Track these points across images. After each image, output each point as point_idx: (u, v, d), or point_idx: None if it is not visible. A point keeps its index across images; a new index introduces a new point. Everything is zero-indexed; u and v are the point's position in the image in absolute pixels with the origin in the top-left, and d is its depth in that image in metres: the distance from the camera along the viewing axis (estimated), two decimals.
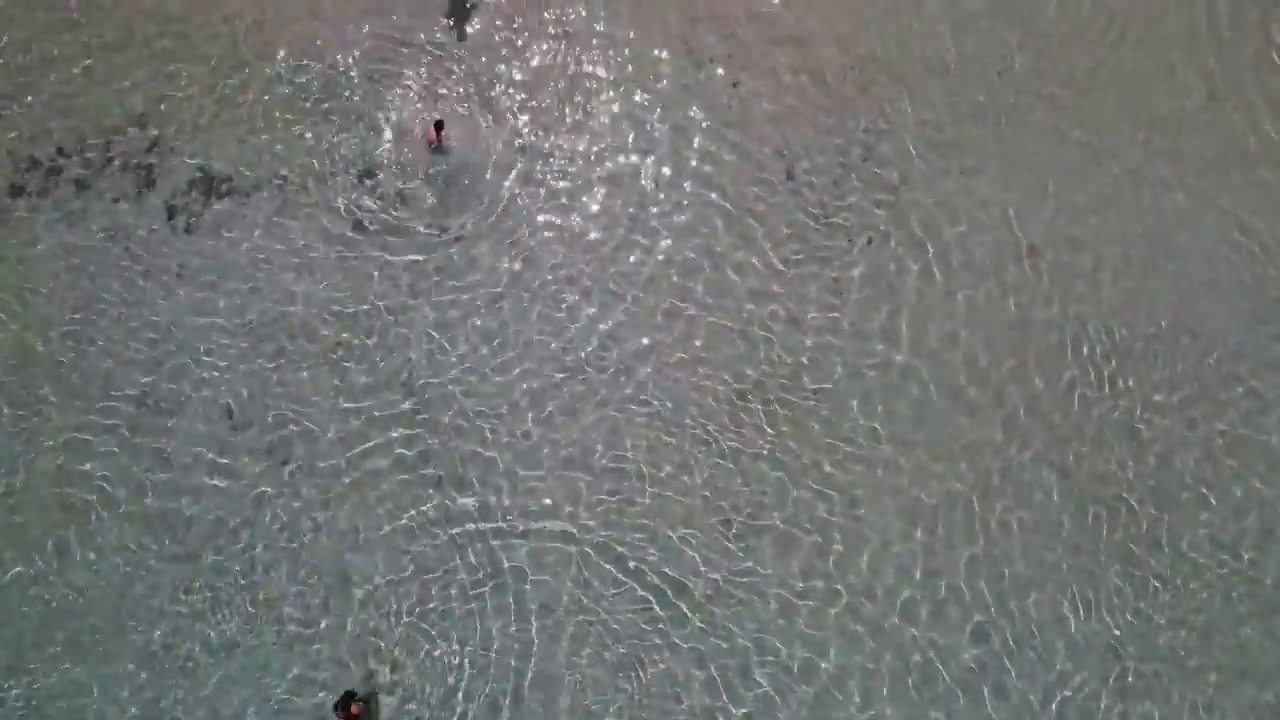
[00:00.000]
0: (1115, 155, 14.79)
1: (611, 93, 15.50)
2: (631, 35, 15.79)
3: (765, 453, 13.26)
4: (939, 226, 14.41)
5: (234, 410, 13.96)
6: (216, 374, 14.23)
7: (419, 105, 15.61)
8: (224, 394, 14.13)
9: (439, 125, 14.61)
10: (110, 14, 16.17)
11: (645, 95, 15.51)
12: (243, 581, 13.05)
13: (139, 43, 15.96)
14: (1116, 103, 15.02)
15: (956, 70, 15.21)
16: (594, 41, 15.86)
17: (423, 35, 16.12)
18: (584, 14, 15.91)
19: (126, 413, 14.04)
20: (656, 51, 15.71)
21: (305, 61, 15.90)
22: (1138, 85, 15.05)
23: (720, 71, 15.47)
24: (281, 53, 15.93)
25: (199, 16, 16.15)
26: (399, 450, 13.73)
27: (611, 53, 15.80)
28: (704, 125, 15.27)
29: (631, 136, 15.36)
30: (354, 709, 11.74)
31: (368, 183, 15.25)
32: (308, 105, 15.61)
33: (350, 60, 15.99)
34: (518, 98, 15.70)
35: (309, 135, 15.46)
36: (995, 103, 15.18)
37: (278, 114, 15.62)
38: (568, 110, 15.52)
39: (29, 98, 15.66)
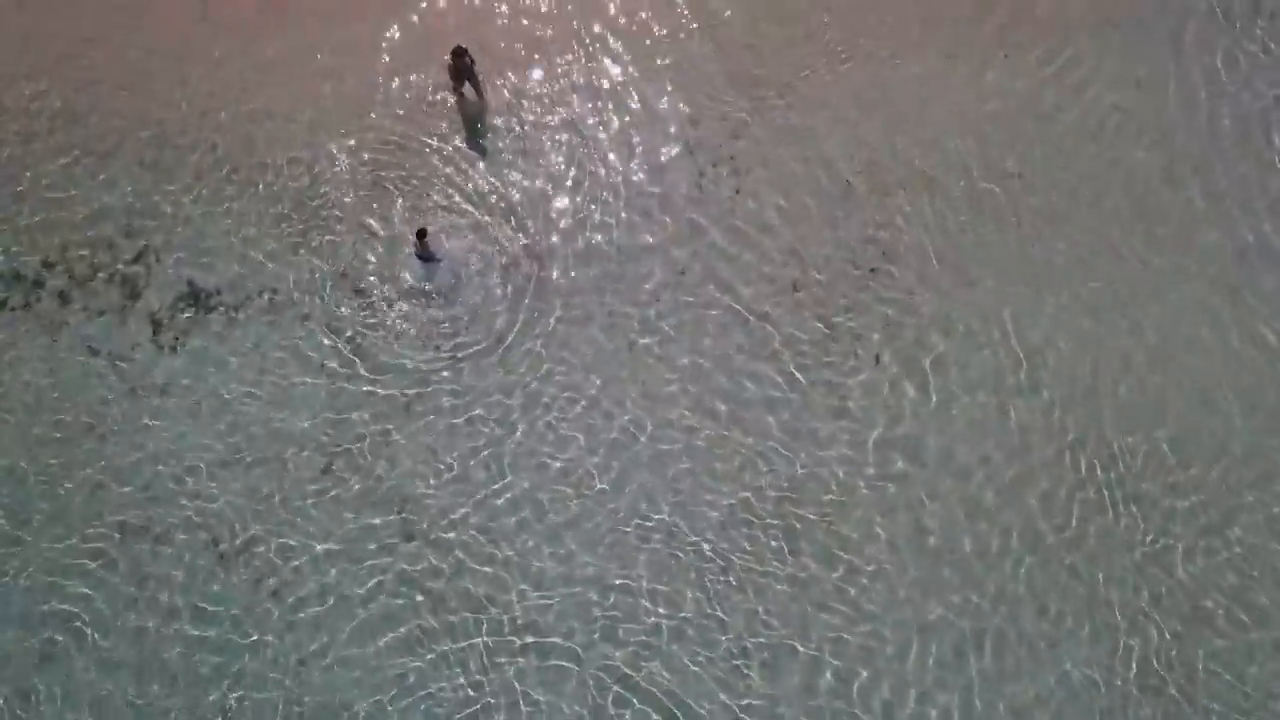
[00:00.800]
0: (1116, 261, 15.45)
1: (615, 196, 16.22)
2: (636, 138, 16.47)
3: (775, 569, 13.48)
4: (943, 334, 14.95)
5: (220, 538, 14.02)
6: (201, 501, 14.34)
7: (415, 214, 16.13)
8: (210, 521, 14.20)
9: (421, 234, 15.01)
10: (95, 122, 16.90)
11: (650, 195, 16.15)
12: None
13: (126, 151, 16.70)
14: (1119, 208, 15.83)
15: (961, 174, 15.98)
16: (597, 142, 16.61)
17: (421, 139, 16.81)
18: (586, 117, 16.66)
19: (109, 542, 14.14)
20: (662, 151, 16.34)
21: (297, 170, 16.57)
22: (1140, 191, 15.86)
23: (724, 173, 16.11)
24: (272, 161, 16.57)
25: (187, 125, 16.86)
26: (394, 570, 13.88)
27: (614, 156, 16.55)
28: (709, 227, 15.84)
29: (636, 240, 15.92)
30: None
31: (360, 296, 15.67)
32: (299, 215, 16.23)
33: (344, 167, 16.63)
34: (519, 204, 16.26)
35: (300, 246, 16.00)
36: (1000, 207, 15.88)
37: (268, 223, 16.21)
38: (571, 214, 16.15)
39: (12, 207, 16.23)
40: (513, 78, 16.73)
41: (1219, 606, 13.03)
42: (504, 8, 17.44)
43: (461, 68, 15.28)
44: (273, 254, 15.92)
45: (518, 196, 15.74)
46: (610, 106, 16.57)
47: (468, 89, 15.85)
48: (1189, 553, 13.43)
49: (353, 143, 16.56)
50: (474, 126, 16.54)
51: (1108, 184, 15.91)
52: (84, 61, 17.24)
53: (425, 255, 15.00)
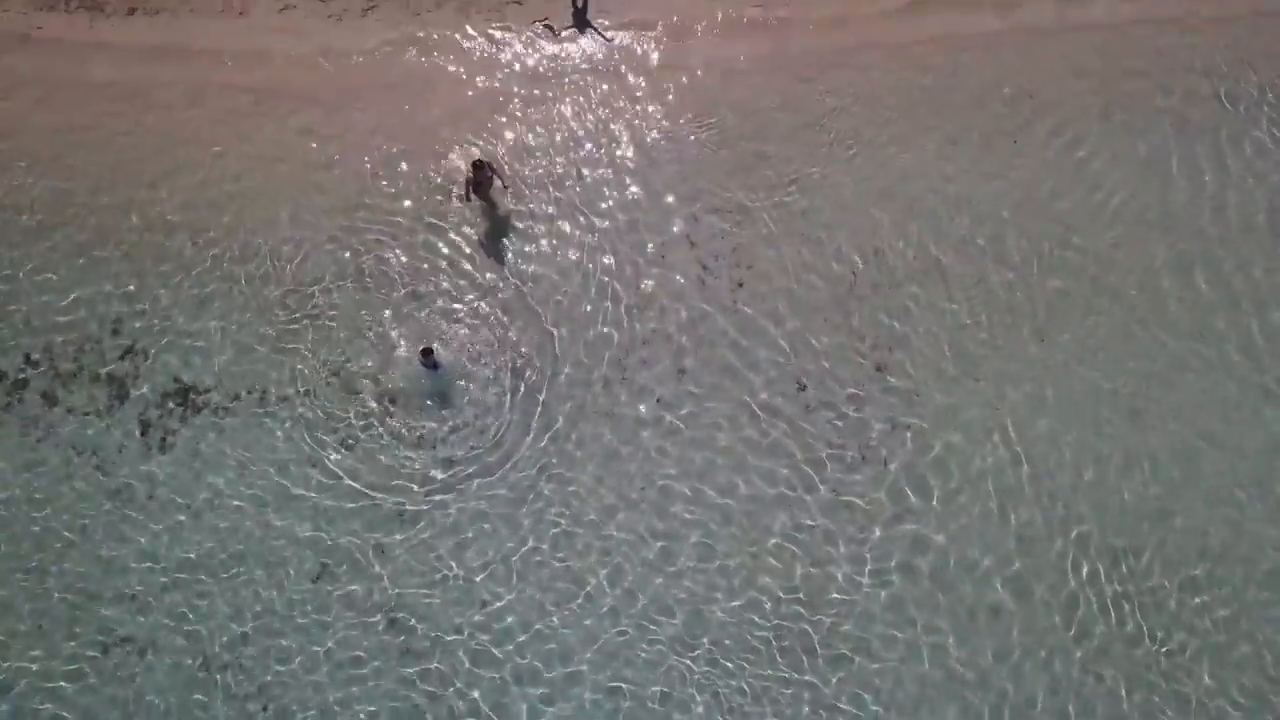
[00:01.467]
0: (1124, 352, 16.10)
1: (618, 287, 16.82)
2: (639, 229, 17.19)
3: (785, 672, 13.77)
4: (952, 430, 15.45)
5: (207, 652, 14.14)
6: (187, 611, 14.48)
7: (414, 302, 16.60)
8: (198, 628, 14.34)
9: (427, 352, 15.36)
10: (80, 212, 17.40)
11: (654, 287, 16.78)
12: None
13: (113, 244, 17.07)
14: (1128, 298, 16.45)
15: (970, 263, 16.74)
16: (599, 232, 17.23)
17: (419, 228, 17.33)
18: (587, 207, 17.33)
19: (90, 658, 14.19)
20: (665, 243, 16.99)
21: (290, 261, 16.98)
22: (1149, 281, 16.51)
23: (728, 264, 16.79)
24: (264, 255, 17.00)
25: (176, 213, 17.37)
26: (391, 681, 14.07)
27: (617, 247, 17.17)
28: (714, 320, 16.43)
29: (639, 333, 16.45)
30: None
31: (355, 395, 15.95)
32: (292, 312, 16.61)
33: (339, 258, 17.06)
34: (519, 296, 16.74)
35: (293, 341, 16.34)
36: (1010, 298, 16.64)
37: (260, 317, 16.57)
38: (573, 307, 16.66)
39: None
40: (513, 166, 17.19)
41: (1235, 707, 13.27)
42: (503, 97, 18.00)
43: (481, 180, 15.80)
44: (264, 349, 16.23)
45: (518, 288, 16.20)
46: (613, 195, 17.20)
47: (483, 191, 16.31)
48: (1200, 652, 13.85)
49: (349, 233, 16.94)
50: (473, 217, 16.91)
51: (1119, 273, 16.73)
52: (69, 149, 17.71)
53: (429, 365, 15.23)
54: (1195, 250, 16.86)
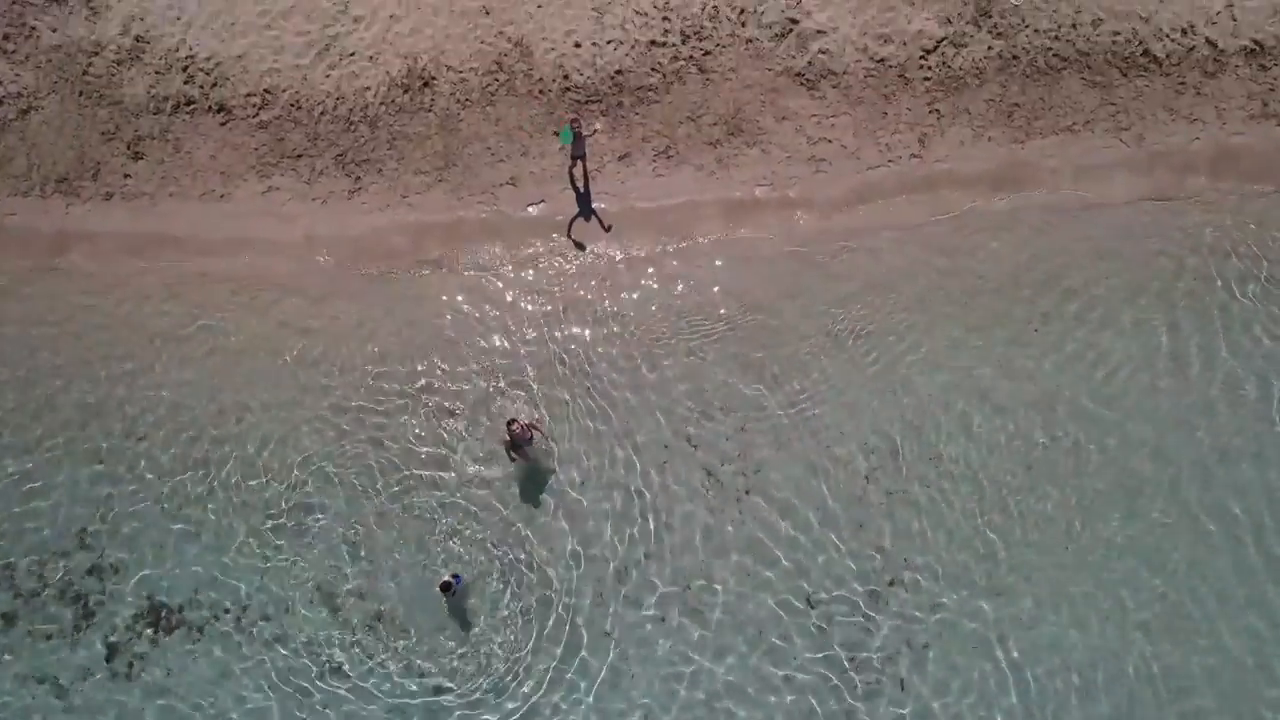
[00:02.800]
0: (1139, 567, 17.00)
1: (618, 496, 17.64)
2: (640, 439, 17.93)
3: None
4: (963, 647, 16.31)
5: None
6: None
7: (406, 518, 17.26)
8: None
9: (445, 587, 16.01)
10: (50, 415, 18.15)
11: (656, 496, 17.58)
12: None
13: (82, 447, 17.77)
14: (1148, 507, 17.28)
15: (982, 466, 17.66)
16: (599, 437, 18.05)
17: (409, 436, 18.08)
18: (584, 416, 18.20)
19: None
20: (668, 449, 17.78)
21: (272, 467, 17.64)
22: (1174, 496, 17.37)
23: (733, 470, 17.58)
24: (245, 462, 17.72)
25: (153, 417, 18.14)
26: None
27: (617, 452, 17.98)
28: (720, 531, 17.24)
29: (640, 550, 17.23)
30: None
31: (338, 614, 16.54)
32: (273, 519, 17.23)
33: (323, 465, 17.69)
34: (519, 514, 17.50)
35: (273, 556, 16.90)
36: (1023, 503, 17.51)
37: (238, 529, 17.24)
38: (572, 522, 17.48)
39: None
40: (507, 360, 18.38)
41: None
42: (497, 285, 19.17)
43: (515, 435, 16.61)
44: (242, 565, 16.77)
45: (509, 492, 16.88)
46: (611, 395, 18.13)
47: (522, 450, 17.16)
48: None
49: (337, 439, 17.48)
50: (472, 429, 17.82)
51: (1154, 473, 17.58)
52: (39, 344, 18.53)
53: (447, 593, 16.04)
54: (1240, 446, 17.56)
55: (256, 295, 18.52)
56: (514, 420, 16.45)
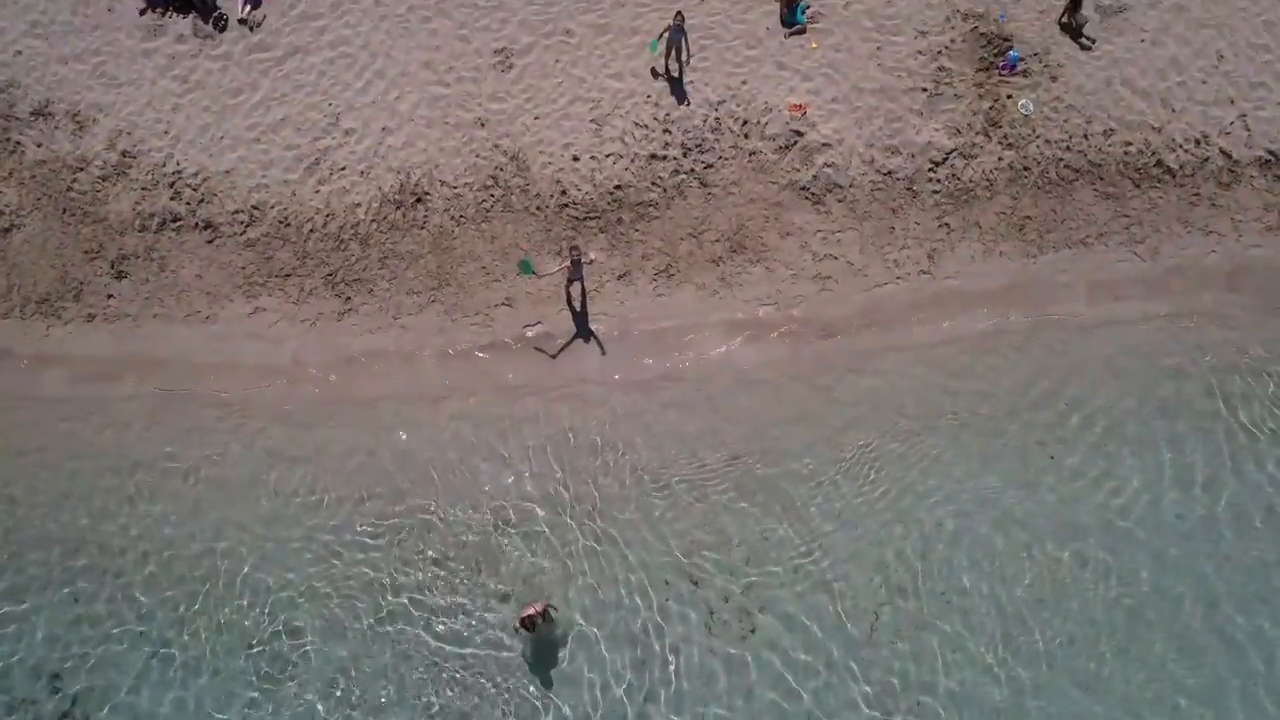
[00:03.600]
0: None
1: (620, 643, 17.66)
2: (640, 575, 18.02)
3: None
4: None
5: None
6: None
7: (401, 674, 17.20)
8: None
9: (529, 623, 16.35)
10: (25, 550, 18.19)
11: (659, 640, 17.60)
12: None
13: (57, 583, 17.93)
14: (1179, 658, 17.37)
15: (997, 600, 17.76)
16: (599, 571, 18.10)
17: (399, 578, 18.17)
18: (584, 557, 18.29)
19: None
20: (670, 589, 17.86)
21: (260, 606, 17.74)
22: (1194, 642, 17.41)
23: (737, 609, 17.68)
24: (230, 601, 17.80)
25: (131, 549, 18.18)
26: None
27: (618, 597, 17.99)
28: (724, 676, 17.22)
29: (642, 696, 17.22)
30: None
31: None
32: (259, 663, 17.22)
33: (317, 606, 17.75)
34: (508, 669, 17.46)
35: (258, 702, 16.93)
36: (1043, 652, 17.60)
37: (223, 673, 17.21)
38: (571, 669, 17.39)
39: None
40: (500, 497, 18.53)
41: None
42: (493, 412, 19.32)
43: (527, 620, 16.66)
44: (222, 700, 16.73)
45: (504, 645, 16.86)
46: (609, 528, 18.26)
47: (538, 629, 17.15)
48: None
49: (324, 579, 17.70)
50: (470, 572, 17.92)
51: (1175, 614, 17.72)
52: (16, 474, 18.70)
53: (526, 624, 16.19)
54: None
55: (243, 422, 18.56)
56: (530, 612, 16.60)
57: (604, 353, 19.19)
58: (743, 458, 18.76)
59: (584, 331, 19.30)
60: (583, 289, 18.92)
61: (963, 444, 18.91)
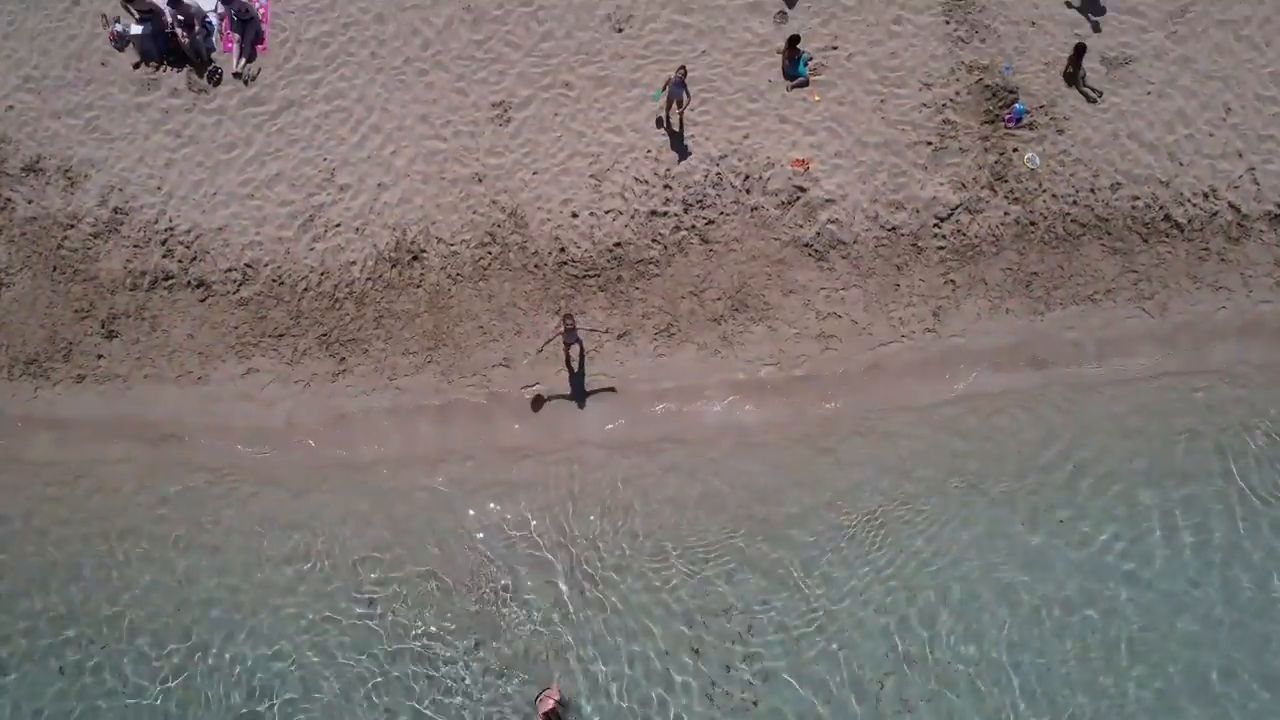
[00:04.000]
0: None
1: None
2: (641, 644, 18.14)
3: None
4: None
5: None
6: None
7: None
8: None
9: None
10: (9, 624, 18.32)
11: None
12: None
13: (46, 657, 17.98)
14: None
15: (1010, 684, 17.79)
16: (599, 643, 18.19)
17: (396, 639, 18.12)
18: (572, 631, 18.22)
19: None
20: (664, 659, 17.95)
21: (247, 683, 17.84)
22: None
23: (739, 678, 17.71)
24: (222, 672, 17.87)
25: (120, 627, 18.42)
26: None
27: (618, 668, 18.04)
28: None
29: None
30: None
31: None
32: None
33: (307, 683, 17.82)
34: None
35: None
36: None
37: None
38: None
39: None
40: (501, 582, 18.52)
41: None
42: (487, 479, 19.40)
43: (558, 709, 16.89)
44: None
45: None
46: (610, 598, 18.38)
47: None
48: None
49: (316, 649, 17.79)
50: (466, 647, 18.01)
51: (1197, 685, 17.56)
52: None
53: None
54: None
55: (235, 487, 18.63)
56: (550, 706, 16.84)
57: (602, 414, 18.89)
58: (744, 523, 18.79)
59: (580, 395, 19.28)
60: (581, 350, 18.91)
61: (970, 508, 18.88)
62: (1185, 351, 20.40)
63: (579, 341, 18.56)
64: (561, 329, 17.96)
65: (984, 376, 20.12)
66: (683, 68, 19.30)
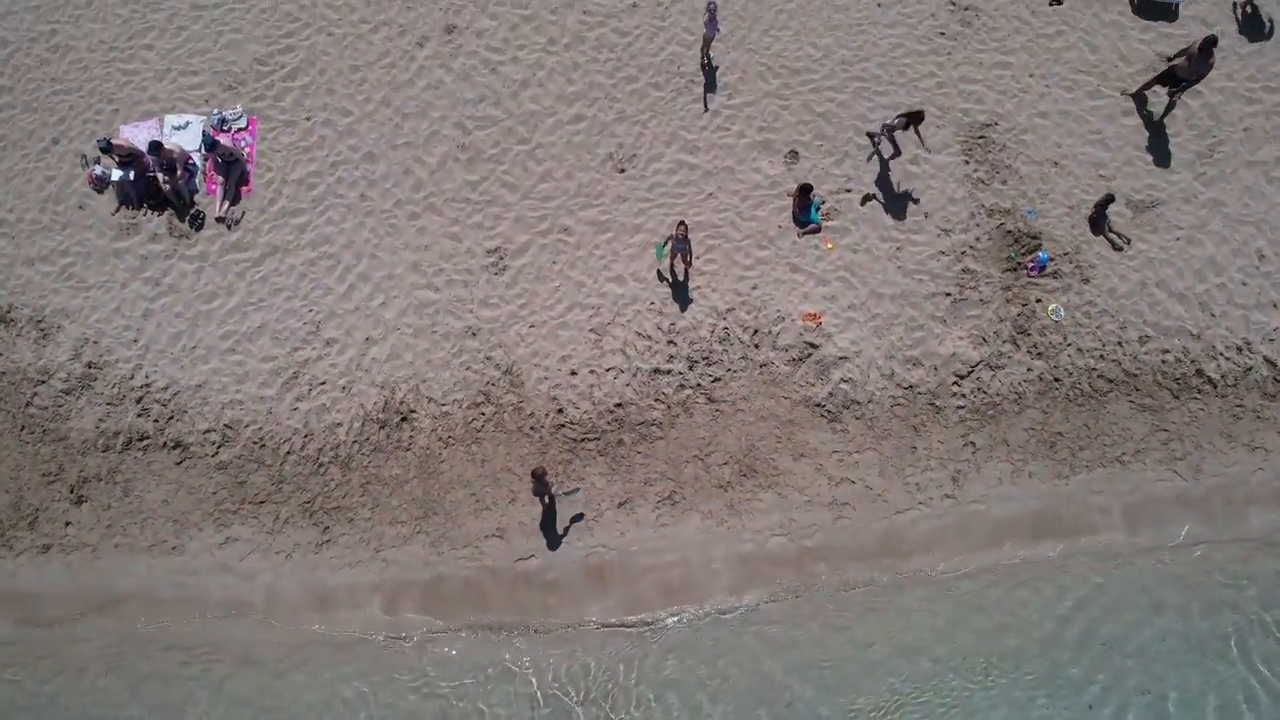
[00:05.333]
0: None
1: None
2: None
3: None
4: None
5: None
6: None
7: None
8: None
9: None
10: None
11: None
12: None
13: None
14: None
15: None
16: None
17: None
18: None
19: None
20: None
21: None
22: None
23: None
24: None
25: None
26: None
27: None
28: None
29: None
30: None
31: None
32: None
33: None
34: None
35: None
36: None
37: None
38: None
39: None
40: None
41: None
42: (486, 689, 19.56)
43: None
44: None
45: None
46: None
47: None
48: None
49: None
50: None
51: None
52: None
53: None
54: None
55: (210, 667, 18.78)
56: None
57: (602, 589, 19.46)
58: (751, 711, 18.56)
59: (554, 543, 19.95)
60: (552, 500, 19.73)
61: (992, 688, 19.08)
62: (1220, 517, 20.61)
63: (549, 494, 18.72)
64: (546, 496, 18.14)
65: (1004, 547, 19.99)
66: (683, 224, 19.53)
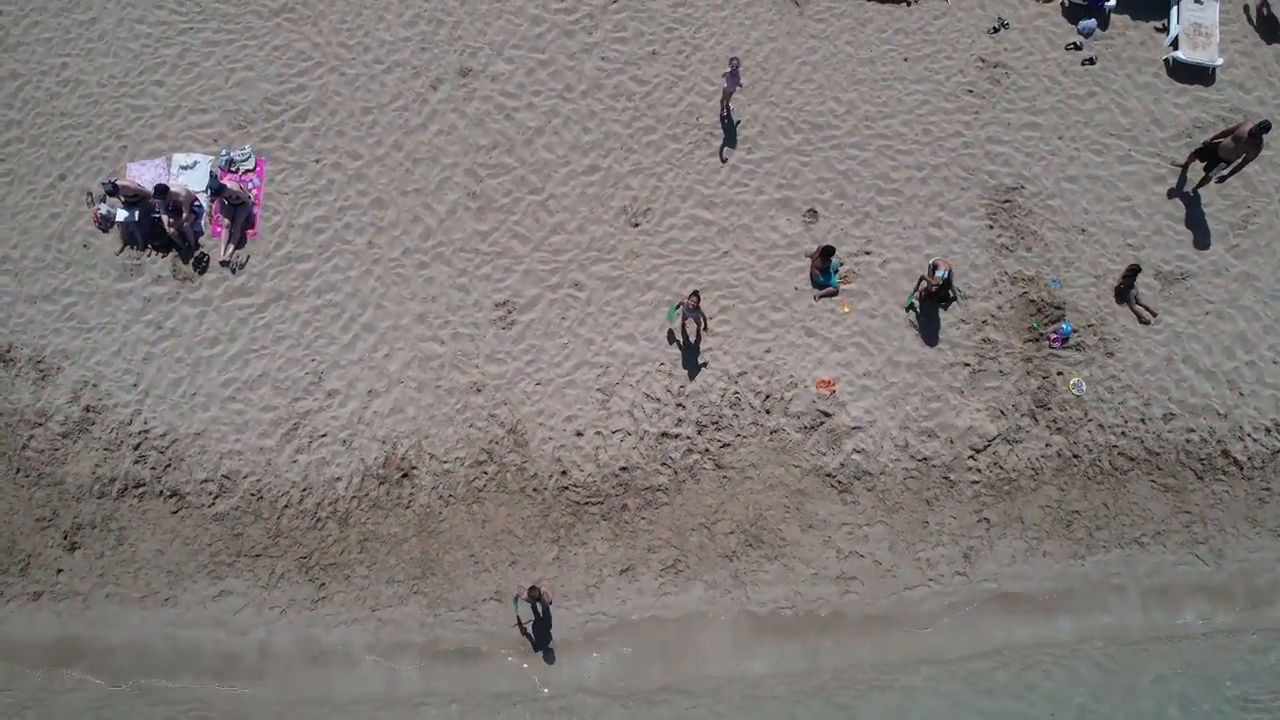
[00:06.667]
0: None
1: None
2: None
3: None
4: None
5: None
6: None
7: None
8: None
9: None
10: None
11: None
12: None
13: None
14: None
15: None
16: None
17: None
18: None
19: None
20: None
21: None
22: None
23: None
24: None
25: None
26: None
27: None
28: None
29: None
30: None
31: None
32: None
33: None
34: None
35: None
36: None
37: None
38: None
39: None
40: None
41: None
42: None
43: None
44: None
45: None
46: None
47: None
48: None
49: None
50: None
51: None
52: None
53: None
54: None
55: None
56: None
57: (600, 658, 20.23)
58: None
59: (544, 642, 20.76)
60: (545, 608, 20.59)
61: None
62: (1242, 605, 21.42)
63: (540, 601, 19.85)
64: (536, 602, 19.34)
65: (1016, 630, 20.56)
66: (695, 294, 20.43)
